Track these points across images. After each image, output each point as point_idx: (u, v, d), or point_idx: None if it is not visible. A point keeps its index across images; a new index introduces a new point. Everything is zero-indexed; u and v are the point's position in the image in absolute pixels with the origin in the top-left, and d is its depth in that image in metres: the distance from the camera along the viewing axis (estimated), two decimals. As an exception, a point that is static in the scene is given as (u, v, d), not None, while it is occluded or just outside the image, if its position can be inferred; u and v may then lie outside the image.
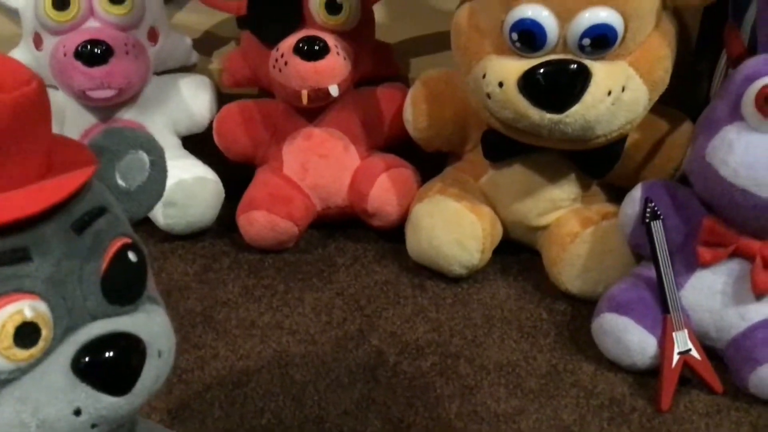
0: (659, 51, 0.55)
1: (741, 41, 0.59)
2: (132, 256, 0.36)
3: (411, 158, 0.68)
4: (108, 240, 0.35)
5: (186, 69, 0.71)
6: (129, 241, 0.36)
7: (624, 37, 0.53)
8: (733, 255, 0.51)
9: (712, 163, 0.50)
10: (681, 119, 0.61)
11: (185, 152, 0.69)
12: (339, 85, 0.62)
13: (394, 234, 0.66)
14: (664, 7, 0.55)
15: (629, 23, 0.52)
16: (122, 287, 0.35)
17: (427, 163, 0.68)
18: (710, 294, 0.52)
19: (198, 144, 0.70)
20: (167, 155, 0.64)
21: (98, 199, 0.36)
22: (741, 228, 0.50)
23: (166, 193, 0.62)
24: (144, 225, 0.68)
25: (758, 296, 0.51)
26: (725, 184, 0.49)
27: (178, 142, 0.69)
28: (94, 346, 0.32)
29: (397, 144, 0.69)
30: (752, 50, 0.55)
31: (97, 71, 0.60)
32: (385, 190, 0.65)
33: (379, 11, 0.69)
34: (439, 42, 0.73)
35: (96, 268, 0.34)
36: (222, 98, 0.70)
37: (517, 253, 0.66)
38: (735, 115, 0.50)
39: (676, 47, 0.57)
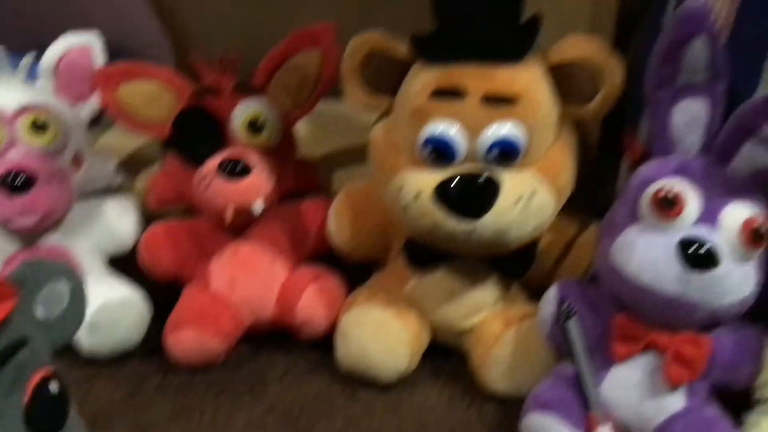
0: (562, 160, 0.59)
1: (639, 146, 0.64)
2: (53, 387, 0.36)
3: (338, 268, 0.69)
4: (29, 372, 0.35)
5: (111, 190, 0.72)
6: (50, 372, 0.36)
7: (529, 148, 0.56)
8: (646, 349, 0.53)
9: (616, 263, 0.53)
10: (587, 221, 0.65)
11: (110, 274, 0.69)
12: (263, 202, 0.64)
13: (325, 344, 0.66)
14: (563, 119, 0.60)
15: (533, 135, 0.56)
16: (44, 419, 0.34)
17: (354, 272, 0.69)
18: (628, 388, 0.54)
19: (123, 264, 0.70)
20: (92, 278, 0.65)
21: (19, 331, 0.36)
22: (651, 323, 0.53)
23: (90, 317, 0.62)
24: (67, 349, 0.66)
25: (672, 388, 0.53)
26: (630, 283, 0.52)
27: (103, 264, 0.69)
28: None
29: (323, 255, 0.70)
30: (648, 155, 0.59)
31: (20, 200, 0.60)
32: (312, 301, 0.66)
33: (301, 127, 0.72)
34: (360, 155, 0.76)
35: (18, 402, 0.33)
36: (147, 218, 0.71)
37: (446, 356, 0.67)
38: (634, 217, 0.53)
39: (578, 154, 0.61)
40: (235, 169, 0.63)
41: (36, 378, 0.34)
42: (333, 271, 0.69)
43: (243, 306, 0.67)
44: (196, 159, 0.65)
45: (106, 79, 0.68)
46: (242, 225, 0.67)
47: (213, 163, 0.64)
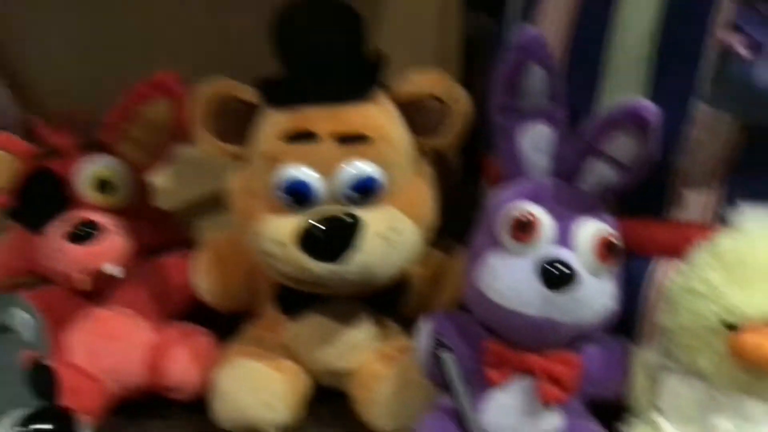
0: (422, 192, 0.59)
1: (496, 170, 0.65)
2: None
3: (207, 323, 0.67)
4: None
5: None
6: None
7: (387, 184, 0.56)
8: (519, 371, 0.54)
9: (482, 289, 0.53)
10: (456, 249, 0.65)
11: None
12: (117, 264, 0.61)
13: (200, 405, 0.64)
14: (420, 152, 0.60)
15: (390, 171, 0.56)
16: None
17: (225, 324, 0.67)
18: (506, 413, 0.54)
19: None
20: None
21: None
22: (520, 346, 0.54)
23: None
24: None
25: (547, 407, 0.54)
26: (496, 308, 0.52)
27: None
28: None
29: (189, 311, 0.67)
30: (505, 177, 0.60)
31: None
32: (183, 362, 0.63)
33: (157, 178, 0.69)
34: (222, 202, 0.74)
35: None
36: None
37: (329, 399, 0.66)
38: (494, 242, 0.54)
39: (440, 183, 0.61)
40: (83, 233, 0.59)
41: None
42: (202, 326, 0.66)
43: (108, 377, 0.63)
44: (41, 225, 0.61)
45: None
46: (100, 290, 0.63)
47: (59, 227, 0.60)
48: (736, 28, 0.47)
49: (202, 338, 0.65)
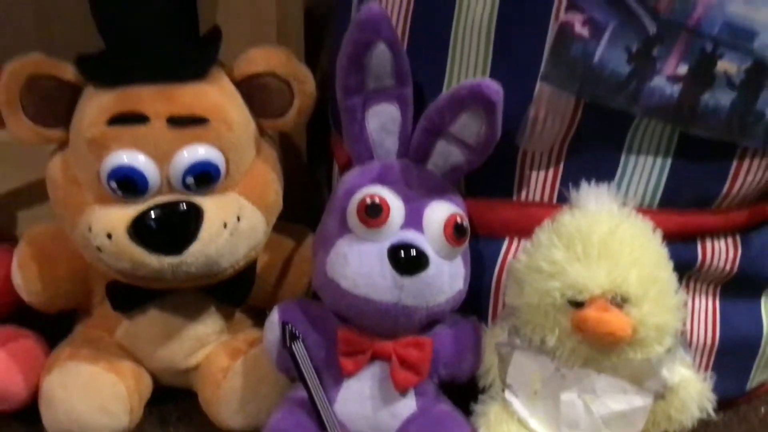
0: (266, 176, 0.56)
1: (345, 151, 0.64)
2: None
3: (33, 324, 0.61)
4: None
5: None
6: None
7: (228, 170, 0.53)
8: (373, 359, 0.53)
9: (333, 277, 0.51)
10: (304, 234, 0.63)
11: None
12: None
13: (30, 415, 0.58)
14: (261, 134, 0.57)
15: (229, 155, 0.53)
16: None
17: (55, 325, 0.61)
18: (361, 401, 0.53)
19: None
20: None
21: None
22: (372, 333, 0.52)
23: None
24: None
25: (401, 393, 0.53)
26: (348, 296, 0.51)
27: None
28: None
29: (12, 312, 0.61)
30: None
31: None
32: (5, 368, 0.57)
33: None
34: (45, 192, 0.68)
35: None
36: None
37: (174, 399, 0.62)
38: (344, 228, 0.52)
39: (285, 166, 0.59)
40: None
41: None
42: (27, 328, 0.60)
43: None
44: None
45: None
46: None
47: None
48: (577, 7, 0.47)
49: (27, 341, 0.59)
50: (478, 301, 0.57)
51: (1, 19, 0.77)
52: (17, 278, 0.58)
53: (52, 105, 0.53)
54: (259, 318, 0.63)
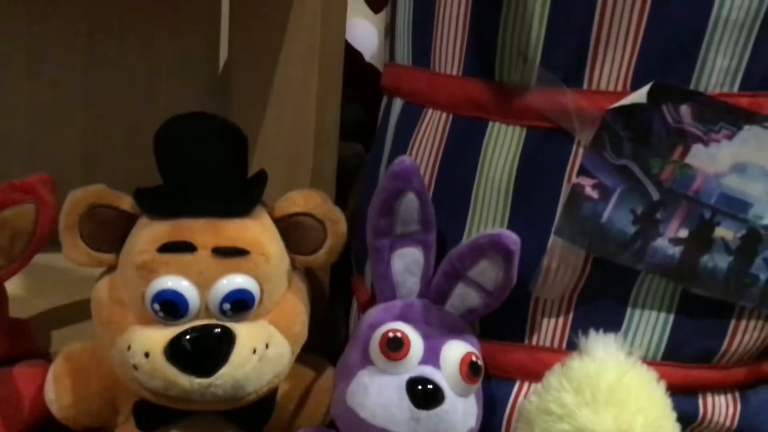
0: (295, 308, 0.60)
1: (366, 290, 0.68)
2: None
3: (57, 439, 0.63)
4: None
5: None
6: None
7: (261, 299, 0.57)
8: (385, 491, 0.54)
9: (352, 406, 0.54)
10: (324, 365, 0.66)
11: None
12: (-34, 375, 0.57)
13: None
14: (294, 268, 0.61)
15: (264, 286, 0.57)
16: None
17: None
18: None
19: None
20: None
21: None
22: (387, 465, 0.54)
23: None
24: None
25: None
26: (366, 426, 0.53)
27: None
28: None
29: (41, 425, 0.63)
30: (374, 297, 0.62)
31: None
32: (27, 482, 0.58)
33: (11, 284, 0.66)
34: (80, 312, 0.71)
35: None
36: None
37: None
38: (366, 360, 0.55)
39: (310, 301, 0.62)
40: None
41: None
42: (52, 442, 0.62)
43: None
44: None
45: None
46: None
47: None
48: (588, 173, 0.53)
49: (50, 457, 0.61)
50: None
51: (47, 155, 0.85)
52: (50, 392, 0.61)
53: (108, 231, 0.57)
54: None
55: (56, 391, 0.61)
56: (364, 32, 1.06)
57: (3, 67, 0.86)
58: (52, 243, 0.62)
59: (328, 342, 0.72)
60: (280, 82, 0.78)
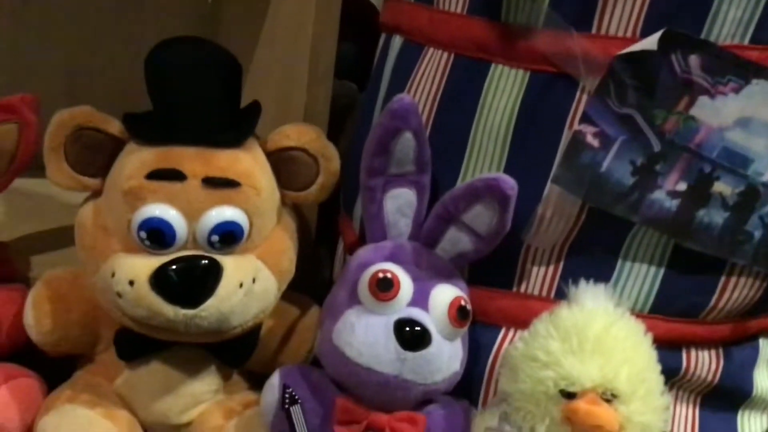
0: (283, 244, 0.59)
1: (353, 231, 0.67)
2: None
3: (34, 365, 0.62)
4: None
5: None
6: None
7: (250, 233, 0.56)
8: (367, 430, 0.54)
9: (338, 345, 0.54)
10: (309, 304, 0.66)
11: None
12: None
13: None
14: (283, 204, 0.60)
15: (253, 220, 0.56)
16: None
17: (55, 368, 0.62)
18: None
19: None
20: None
21: None
22: (370, 404, 0.54)
23: None
24: None
25: (391, 465, 0.54)
26: (351, 364, 0.53)
27: None
28: None
29: (17, 351, 0.62)
30: (362, 238, 0.62)
31: None
32: (4, 405, 0.57)
33: (-6, 207, 0.64)
34: (62, 238, 0.70)
35: None
36: None
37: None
38: (354, 299, 0.55)
39: (298, 238, 0.62)
40: None
41: None
42: (28, 368, 0.61)
43: None
44: None
45: None
46: None
47: None
48: (590, 120, 0.52)
49: (27, 380, 0.60)
50: (470, 386, 0.59)
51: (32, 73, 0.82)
52: (29, 317, 0.60)
53: (94, 155, 0.56)
54: (253, 382, 0.64)
55: (35, 316, 0.60)
56: (362, -31, 1.03)
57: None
58: (36, 167, 0.61)
59: (311, 282, 0.71)
60: (273, 17, 0.76)
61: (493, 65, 0.56)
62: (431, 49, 0.59)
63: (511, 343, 0.58)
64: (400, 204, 0.57)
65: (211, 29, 0.92)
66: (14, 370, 0.60)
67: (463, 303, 0.55)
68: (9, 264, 0.65)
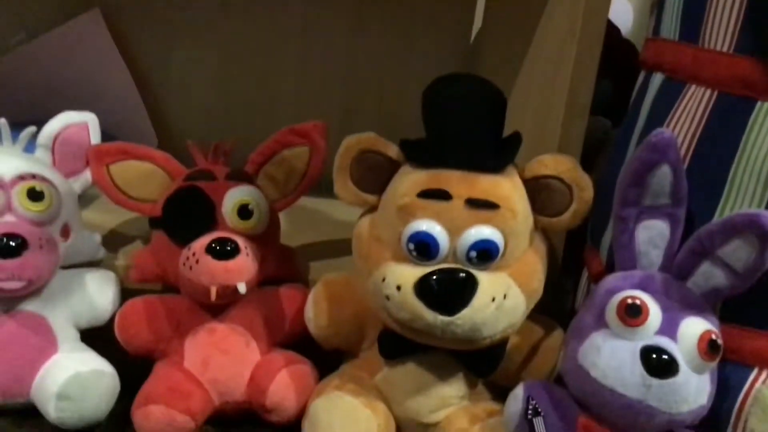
0: (534, 265, 0.63)
1: (599, 261, 0.69)
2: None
3: (309, 355, 0.71)
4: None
5: (93, 264, 0.73)
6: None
7: (504, 252, 0.60)
8: (607, 450, 0.56)
9: (583, 365, 0.56)
10: (554, 326, 0.69)
11: (83, 345, 0.69)
12: (246, 284, 0.66)
13: (293, 429, 0.67)
14: (536, 229, 0.64)
15: (508, 240, 0.60)
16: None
17: (325, 360, 0.71)
18: (589, 487, 0.56)
19: (94, 336, 0.70)
20: (66, 347, 0.65)
21: None
22: (613, 427, 0.56)
23: (61, 386, 0.63)
24: (31, 418, 0.66)
25: (631, 489, 0.55)
26: (596, 385, 0.55)
27: (77, 335, 0.69)
28: None
29: (296, 341, 0.72)
30: (609, 269, 0.64)
31: (10, 263, 0.62)
32: (284, 386, 0.67)
33: (284, 218, 0.75)
34: (337, 248, 0.80)
35: None
36: (125, 293, 0.72)
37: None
38: (600, 323, 0.57)
39: (547, 263, 0.65)
40: (225, 250, 0.65)
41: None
42: (305, 357, 0.70)
43: (214, 386, 0.67)
44: (187, 237, 0.67)
45: (99, 155, 0.71)
46: (221, 305, 0.69)
47: (202, 242, 0.66)
48: None
49: (304, 367, 0.69)
50: (717, 423, 0.59)
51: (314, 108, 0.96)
52: (309, 312, 0.69)
53: (374, 175, 0.64)
54: (495, 394, 0.68)
55: (315, 311, 0.69)
56: (620, 8, 1.05)
57: (279, 37, 0.99)
58: (320, 188, 0.70)
59: (555, 309, 0.74)
60: (533, 53, 0.80)
61: (758, 103, 0.56)
62: (693, 86, 0.60)
63: (764, 383, 0.57)
64: (652, 235, 0.59)
65: (470, 65, 1.00)
66: (294, 357, 0.70)
67: (713, 337, 0.55)
68: (294, 266, 0.76)
